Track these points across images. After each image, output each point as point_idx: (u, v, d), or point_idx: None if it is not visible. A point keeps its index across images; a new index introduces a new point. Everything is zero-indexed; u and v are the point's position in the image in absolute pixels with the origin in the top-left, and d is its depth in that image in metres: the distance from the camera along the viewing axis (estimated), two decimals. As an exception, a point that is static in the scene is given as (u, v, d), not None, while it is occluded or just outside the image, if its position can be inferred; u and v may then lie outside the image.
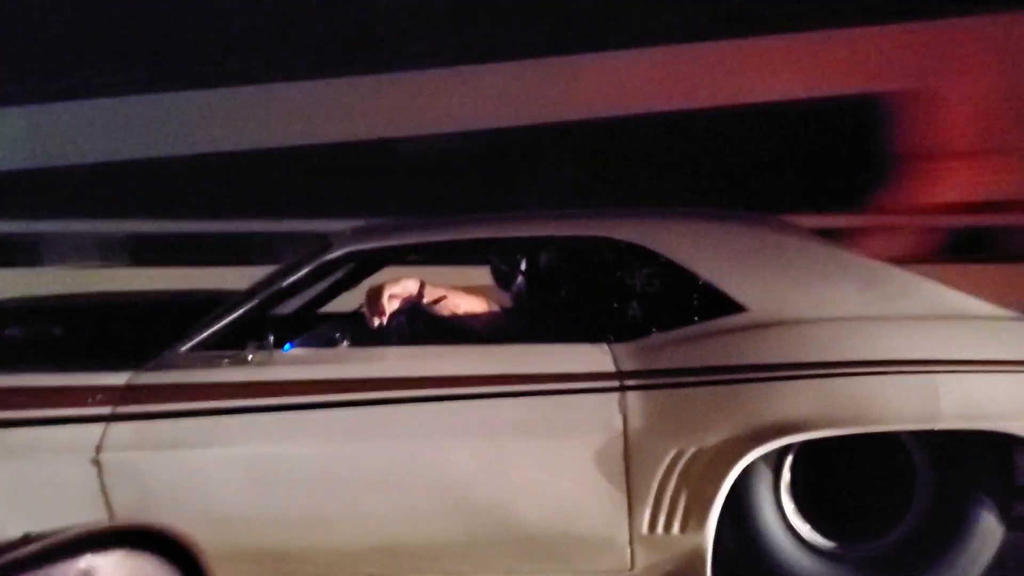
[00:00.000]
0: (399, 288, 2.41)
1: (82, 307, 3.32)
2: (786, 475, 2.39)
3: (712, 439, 2.23)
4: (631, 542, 2.27)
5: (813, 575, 2.38)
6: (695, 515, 2.25)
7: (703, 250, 2.45)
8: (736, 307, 2.35)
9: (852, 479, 2.43)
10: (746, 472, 2.32)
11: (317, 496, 2.27)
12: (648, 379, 2.28)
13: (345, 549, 2.29)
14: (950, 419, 2.25)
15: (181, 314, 2.67)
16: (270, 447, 2.28)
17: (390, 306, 2.39)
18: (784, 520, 2.38)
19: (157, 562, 0.75)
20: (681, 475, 2.23)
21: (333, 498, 2.27)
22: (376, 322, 2.38)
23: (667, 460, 2.23)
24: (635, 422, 2.24)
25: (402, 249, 2.62)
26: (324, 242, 2.60)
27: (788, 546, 2.38)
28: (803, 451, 2.40)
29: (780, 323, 2.31)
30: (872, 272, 2.44)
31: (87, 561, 0.71)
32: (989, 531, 2.35)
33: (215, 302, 2.68)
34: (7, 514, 2.29)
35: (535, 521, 2.29)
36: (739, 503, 2.35)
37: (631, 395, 2.27)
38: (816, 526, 2.41)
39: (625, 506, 2.25)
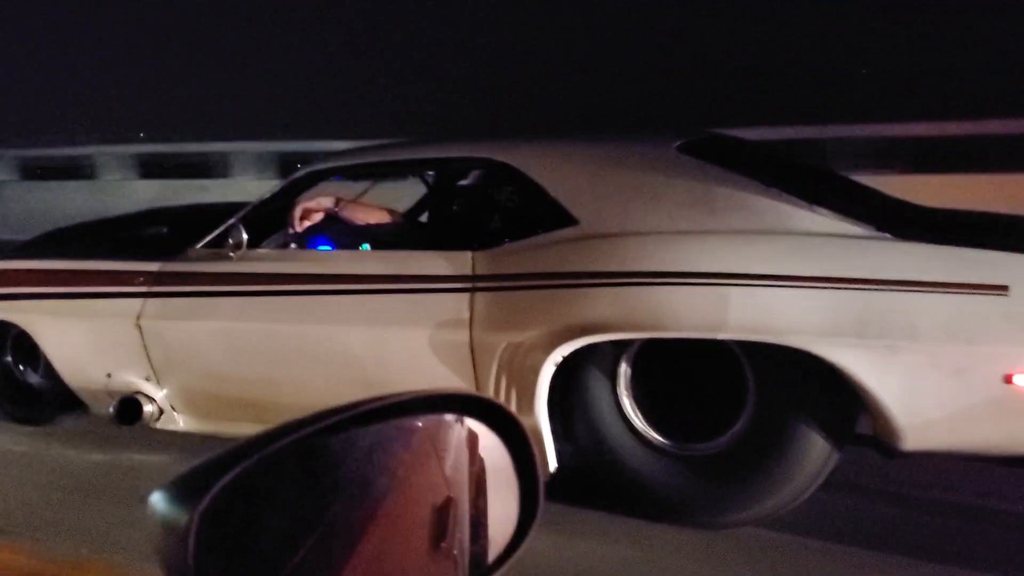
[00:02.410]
0: (314, 204, 2.98)
1: (197, 213, 4.27)
2: (624, 373, 2.62)
3: (529, 336, 2.56)
4: None
5: (648, 469, 2.61)
6: (524, 402, 2.61)
7: (556, 170, 2.70)
8: (572, 221, 2.60)
9: (689, 383, 2.59)
10: (582, 368, 2.61)
11: (259, 361, 2.99)
12: (491, 283, 2.65)
13: (273, 402, 2.99)
14: (735, 330, 2.33)
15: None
16: (231, 322, 3.03)
17: (304, 218, 2.98)
18: (621, 415, 2.63)
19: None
20: (509, 366, 2.60)
21: (269, 363, 2.97)
22: (291, 231, 2.99)
23: (498, 353, 2.60)
24: (479, 319, 2.64)
25: (343, 169, 3.17)
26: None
27: (625, 440, 2.63)
28: (644, 353, 2.60)
29: (599, 236, 2.52)
30: (707, 191, 2.50)
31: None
32: (812, 449, 2.40)
33: None
34: (93, 358, 3.35)
35: None
36: (579, 397, 2.65)
37: (479, 296, 2.66)
38: (653, 424, 2.63)
39: (475, 389, 2.67)
